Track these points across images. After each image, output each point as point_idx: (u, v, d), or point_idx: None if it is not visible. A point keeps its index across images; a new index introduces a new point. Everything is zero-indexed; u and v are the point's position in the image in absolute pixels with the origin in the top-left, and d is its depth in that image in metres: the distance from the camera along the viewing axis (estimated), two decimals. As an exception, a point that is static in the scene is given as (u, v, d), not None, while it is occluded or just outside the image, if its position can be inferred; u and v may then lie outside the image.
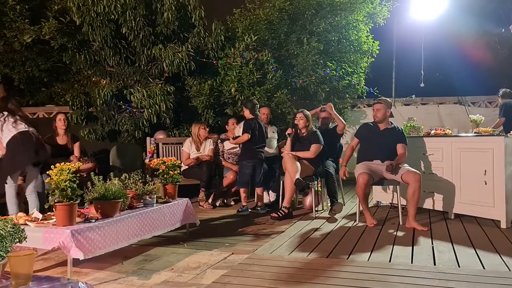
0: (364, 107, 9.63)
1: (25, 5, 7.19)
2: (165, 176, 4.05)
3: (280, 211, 4.89)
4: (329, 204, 5.27)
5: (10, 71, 7.76)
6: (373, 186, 4.90)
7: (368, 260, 3.31)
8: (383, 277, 2.87)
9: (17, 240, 1.41)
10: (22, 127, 4.27)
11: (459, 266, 3.11)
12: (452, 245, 3.68)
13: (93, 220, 3.00)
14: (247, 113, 5.55)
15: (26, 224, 2.89)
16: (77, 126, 7.49)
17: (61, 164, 2.89)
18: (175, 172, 4.08)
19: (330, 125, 6.00)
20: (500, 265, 3.13)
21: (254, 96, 7.13)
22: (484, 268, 3.06)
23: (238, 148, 6.14)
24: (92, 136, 7.43)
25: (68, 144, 5.34)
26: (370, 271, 3.01)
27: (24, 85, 8.29)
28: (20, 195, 4.75)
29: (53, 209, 2.91)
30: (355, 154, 4.95)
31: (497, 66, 10.63)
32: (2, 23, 7.11)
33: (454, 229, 4.26)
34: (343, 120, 5.82)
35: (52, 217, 2.99)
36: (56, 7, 7.34)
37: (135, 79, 7.48)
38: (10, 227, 1.37)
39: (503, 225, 4.24)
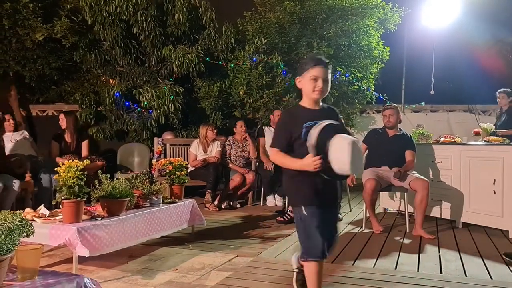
0: (373, 113, 9.59)
1: (38, 3, 7.26)
2: (172, 176, 4.06)
3: (286, 215, 4.87)
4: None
5: (22, 68, 7.83)
6: (380, 192, 4.87)
7: (373, 266, 3.28)
8: (388, 284, 2.84)
9: (25, 234, 1.41)
10: None
11: (466, 275, 3.07)
12: (459, 254, 3.64)
13: (100, 218, 3.01)
14: None
15: (33, 220, 2.90)
16: (85, 125, 7.54)
17: (69, 161, 2.91)
18: (182, 173, 4.08)
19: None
20: (507, 275, 3.09)
21: (263, 99, 7.14)
22: (491, 278, 3.02)
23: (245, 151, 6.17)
24: (100, 135, 7.48)
25: (75, 142, 5.39)
26: (375, 277, 2.98)
27: (34, 83, 8.35)
28: (28, 191, 4.81)
29: (60, 206, 2.92)
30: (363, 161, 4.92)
31: (509, 75, 10.53)
32: (15, 21, 7.18)
33: (462, 238, 4.21)
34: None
35: (59, 214, 3.00)
36: (68, 6, 7.40)
37: (144, 79, 7.52)
38: (19, 220, 1.38)
39: (512, 235, 4.20)
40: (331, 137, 2.10)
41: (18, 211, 1.50)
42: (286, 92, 7.38)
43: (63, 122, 5.35)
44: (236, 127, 6.29)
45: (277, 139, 2.33)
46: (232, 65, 7.39)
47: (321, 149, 2.10)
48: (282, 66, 7.47)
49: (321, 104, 2.34)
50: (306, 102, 2.31)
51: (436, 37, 9.17)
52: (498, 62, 10.51)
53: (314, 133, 2.12)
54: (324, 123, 2.15)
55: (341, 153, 2.05)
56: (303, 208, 2.25)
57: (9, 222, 1.36)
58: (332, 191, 2.34)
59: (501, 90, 6.52)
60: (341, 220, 5.01)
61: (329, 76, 2.27)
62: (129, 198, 3.27)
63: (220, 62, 7.50)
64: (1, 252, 1.33)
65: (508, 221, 4.24)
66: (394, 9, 8.47)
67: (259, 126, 6.85)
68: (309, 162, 2.11)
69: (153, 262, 3.32)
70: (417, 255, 3.60)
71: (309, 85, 2.24)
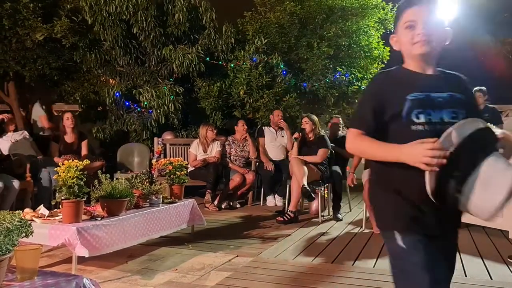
0: (373, 113, 9.58)
1: (38, 3, 7.24)
2: (171, 176, 4.05)
3: (286, 215, 4.87)
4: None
5: (22, 68, 7.82)
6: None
7: (373, 267, 3.28)
8: (388, 285, 2.82)
9: (24, 234, 1.41)
10: None
11: (466, 276, 3.07)
12: (459, 254, 3.63)
13: (99, 218, 3.01)
14: None
15: (33, 220, 2.90)
16: (85, 125, 7.53)
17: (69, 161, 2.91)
18: (182, 173, 4.08)
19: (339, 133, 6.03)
20: (508, 276, 3.09)
21: (263, 99, 7.12)
22: (491, 278, 3.02)
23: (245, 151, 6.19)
24: (100, 135, 7.47)
25: (76, 142, 5.40)
26: (375, 278, 2.98)
27: (34, 83, 8.35)
28: (28, 191, 4.81)
29: (60, 206, 2.92)
30: (362, 161, 4.92)
31: (509, 75, 10.53)
32: (15, 21, 7.17)
33: (462, 238, 4.16)
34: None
35: (59, 214, 3.00)
36: (68, 6, 7.40)
37: (144, 79, 7.51)
38: (18, 221, 1.37)
39: (512, 235, 4.19)
40: (488, 154, 1.23)
41: (17, 211, 1.49)
42: (286, 92, 7.38)
43: (68, 121, 5.36)
44: (238, 125, 6.30)
45: (359, 115, 1.47)
46: (232, 65, 7.38)
47: (461, 164, 1.22)
48: (282, 66, 7.46)
49: (438, 68, 1.52)
50: (410, 65, 1.51)
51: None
52: (499, 62, 10.52)
53: (457, 133, 1.23)
54: (478, 122, 1.27)
55: (497, 189, 1.25)
56: (396, 235, 1.38)
57: (8, 222, 1.35)
58: (448, 213, 1.39)
59: (477, 88, 6.36)
60: (341, 220, 5.01)
61: (438, 16, 1.43)
62: (128, 198, 3.27)
63: (220, 62, 7.49)
64: (0, 252, 1.33)
65: (508, 221, 4.22)
66: (394, 9, 8.46)
67: (259, 126, 6.85)
68: (419, 150, 1.23)
69: (153, 262, 3.31)
70: (417, 255, 3.59)
71: (406, 37, 1.45)
